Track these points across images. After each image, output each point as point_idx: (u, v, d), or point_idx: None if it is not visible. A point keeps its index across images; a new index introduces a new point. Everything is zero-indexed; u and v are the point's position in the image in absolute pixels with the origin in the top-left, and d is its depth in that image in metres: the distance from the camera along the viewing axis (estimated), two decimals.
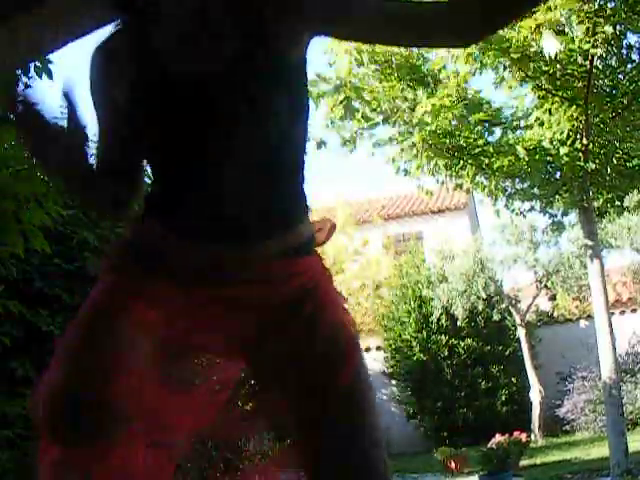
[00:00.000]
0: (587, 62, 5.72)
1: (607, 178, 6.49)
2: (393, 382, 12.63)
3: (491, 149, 6.22)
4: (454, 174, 6.34)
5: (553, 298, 12.64)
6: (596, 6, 5.37)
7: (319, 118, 6.30)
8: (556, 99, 5.98)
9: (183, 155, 1.31)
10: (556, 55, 5.27)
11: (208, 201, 1.30)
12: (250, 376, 1.54)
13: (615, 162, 6.46)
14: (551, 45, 5.16)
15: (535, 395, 11.49)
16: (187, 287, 1.29)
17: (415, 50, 6.60)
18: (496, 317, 11.78)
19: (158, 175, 1.39)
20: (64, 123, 1.33)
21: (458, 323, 11.57)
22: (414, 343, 12.27)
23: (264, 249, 1.31)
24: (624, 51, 5.94)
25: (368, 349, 12.59)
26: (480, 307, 11.62)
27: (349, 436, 1.28)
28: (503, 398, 11.85)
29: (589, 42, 5.40)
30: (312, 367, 1.32)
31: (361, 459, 1.28)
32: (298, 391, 1.33)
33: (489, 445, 7.66)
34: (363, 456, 1.28)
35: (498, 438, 7.85)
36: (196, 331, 1.33)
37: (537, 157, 6.10)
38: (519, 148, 6.00)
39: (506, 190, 6.54)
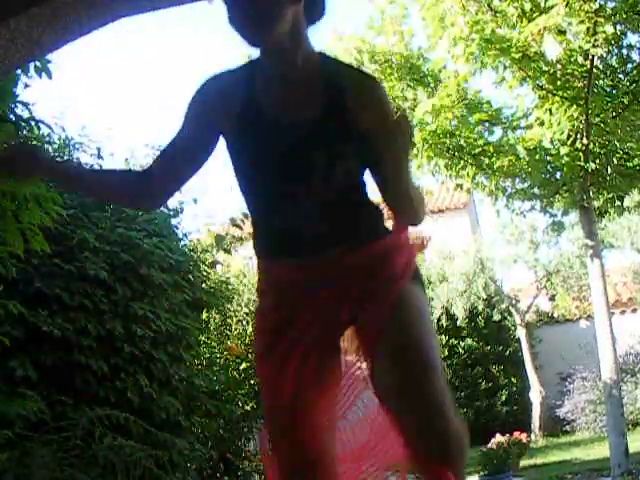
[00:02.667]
0: (587, 62, 5.71)
1: (607, 178, 6.49)
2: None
3: (491, 149, 6.21)
4: (454, 174, 6.33)
5: (553, 298, 12.64)
6: (596, 6, 5.36)
7: None
8: (556, 99, 5.97)
9: (267, 184, 1.67)
10: (557, 55, 5.28)
11: (287, 225, 1.67)
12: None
13: (615, 162, 6.45)
14: (553, 49, 5.16)
15: (535, 395, 11.49)
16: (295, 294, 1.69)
17: (415, 50, 6.60)
18: (496, 317, 11.78)
19: (251, 213, 1.76)
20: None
21: (458, 323, 11.57)
22: None
23: (339, 253, 1.66)
24: (624, 51, 5.94)
25: None
26: (480, 307, 11.62)
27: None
28: (503, 398, 11.86)
29: (589, 42, 5.39)
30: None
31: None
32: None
33: (489, 445, 7.66)
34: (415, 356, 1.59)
35: (498, 438, 7.84)
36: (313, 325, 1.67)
37: (537, 157, 6.09)
38: (519, 148, 5.99)
39: (506, 190, 6.53)
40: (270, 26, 1.56)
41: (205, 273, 6.62)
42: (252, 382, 7.11)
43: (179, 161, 1.72)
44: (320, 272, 1.67)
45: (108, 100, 33.96)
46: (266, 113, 1.64)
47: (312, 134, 1.62)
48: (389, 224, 1.77)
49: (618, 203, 7.10)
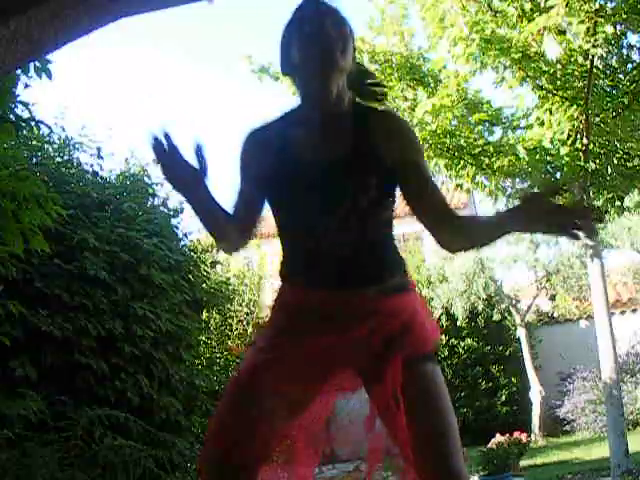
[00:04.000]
0: (587, 62, 5.71)
1: (607, 178, 6.48)
2: None
3: (491, 149, 6.21)
4: (454, 174, 6.33)
5: (553, 298, 12.64)
6: (596, 6, 5.36)
7: None
8: (556, 99, 5.97)
9: (304, 222, 1.80)
10: (557, 55, 5.28)
11: (318, 262, 1.78)
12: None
13: (615, 162, 6.45)
14: (553, 49, 5.16)
15: (535, 395, 11.49)
16: (309, 329, 1.76)
17: (415, 50, 6.61)
18: (496, 317, 11.77)
19: (283, 246, 1.88)
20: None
21: (458, 323, 11.57)
22: None
23: (364, 294, 1.75)
24: (624, 51, 5.93)
25: None
26: (480, 307, 11.61)
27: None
28: (503, 398, 11.85)
29: (589, 42, 5.39)
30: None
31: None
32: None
33: (489, 445, 7.65)
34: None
35: (498, 438, 7.84)
36: (317, 363, 1.74)
37: (537, 157, 6.09)
38: (519, 148, 5.99)
39: (506, 190, 6.53)
40: (338, 78, 1.77)
41: (205, 273, 6.63)
42: None
43: (249, 212, 1.86)
44: (340, 306, 1.75)
45: (108, 100, 33.95)
46: (303, 156, 1.79)
47: (344, 172, 1.77)
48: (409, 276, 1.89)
49: (618, 203, 7.10)
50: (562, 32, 5.44)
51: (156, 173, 6.15)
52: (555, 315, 12.98)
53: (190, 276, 6.03)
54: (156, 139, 1.60)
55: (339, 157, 1.77)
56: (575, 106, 5.89)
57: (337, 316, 1.74)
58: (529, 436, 9.28)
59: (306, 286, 1.80)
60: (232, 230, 1.83)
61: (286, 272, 1.88)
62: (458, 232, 1.80)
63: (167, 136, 1.61)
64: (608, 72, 6.03)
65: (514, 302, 11.86)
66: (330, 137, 1.80)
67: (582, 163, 6.13)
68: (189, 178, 1.63)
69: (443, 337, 12.08)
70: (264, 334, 1.88)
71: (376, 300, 1.75)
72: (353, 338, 1.72)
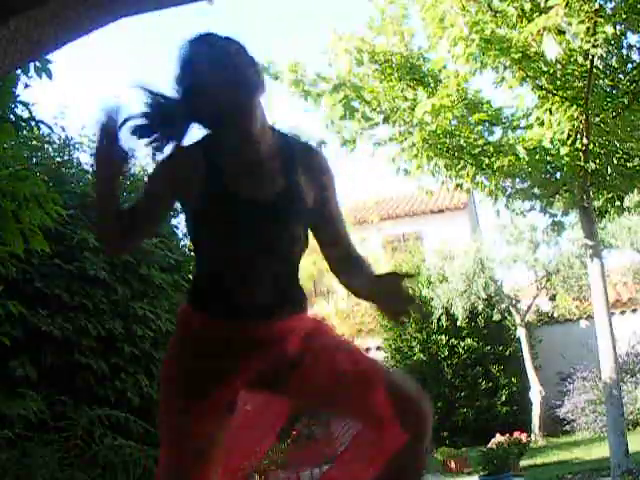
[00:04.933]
0: (587, 62, 5.71)
1: (607, 178, 6.48)
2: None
3: (491, 149, 6.20)
4: (454, 174, 6.32)
5: (553, 298, 12.64)
6: (596, 6, 5.36)
7: (319, 118, 6.30)
8: (556, 99, 5.97)
9: (224, 252, 1.79)
10: (557, 55, 5.27)
11: (242, 289, 1.78)
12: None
13: (615, 162, 6.44)
14: (552, 50, 5.16)
15: (535, 395, 11.49)
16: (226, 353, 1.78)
17: (415, 50, 6.60)
18: (496, 317, 11.77)
19: (203, 270, 1.89)
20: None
21: (458, 323, 11.56)
22: (414, 343, 12.27)
23: (280, 318, 1.81)
24: (624, 51, 5.93)
25: (368, 349, 12.58)
26: (480, 307, 11.61)
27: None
28: (503, 398, 11.85)
29: (589, 42, 5.39)
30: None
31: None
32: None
33: (489, 445, 7.66)
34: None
35: (498, 438, 7.85)
36: (237, 379, 1.81)
37: (537, 157, 6.09)
38: (519, 148, 5.98)
39: (506, 190, 6.52)
40: (259, 100, 1.78)
41: None
42: None
43: (145, 219, 1.87)
44: (255, 335, 1.79)
45: (107, 100, 33.86)
46: (228, 186, 1.78)
47: (273, 209, 1.79)
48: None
49: (618, 203, 7.09)
50: (562, 32, 5.43)
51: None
52: (555, 315, 12.98)
53: (190, 276, 6.03)
54: (108, 116, 1.75)
55: (269, 197, 1.79)
56: (575, 106, 5.88)
57: (253, 344, 1.78)
58: (529, 436, 9.29)
59: (223, 317, 1.80)
60: (117, 228, 1.84)
61: (202, 299, 1.85)
62: (353, 272, 1.92)
63: (115, 116, 1.74)
64: (608, 72, 6.03)
65: (514, 302, 11.86)
66: (260, 171, 1.81)
67: (582, 163, 6.13)
68: (117, 160, 1.79)
69: (443, 337, 12.10)
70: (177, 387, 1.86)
71: (288, 323, 1.82)
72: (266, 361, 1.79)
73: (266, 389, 1.88)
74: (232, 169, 1.79)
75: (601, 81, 6.04)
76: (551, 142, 6.07)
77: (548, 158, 6.19)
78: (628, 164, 6.54)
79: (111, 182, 1.84)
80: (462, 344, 12.07)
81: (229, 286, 1.80)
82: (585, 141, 6.07)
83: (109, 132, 1.77)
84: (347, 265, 1.93)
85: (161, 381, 1.94)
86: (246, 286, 1.79)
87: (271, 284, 1.80)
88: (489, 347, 12.10)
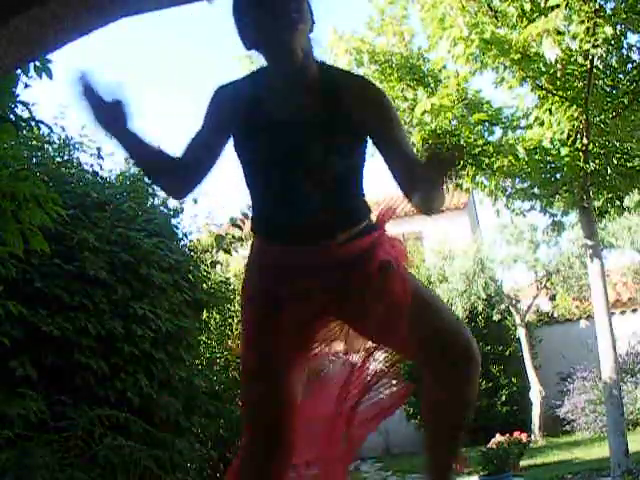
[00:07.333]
0: (587, 62, 5.71)
1: (607, 178, 6.48)
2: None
3: (491, 149, 6.21)
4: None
5: (553, 298, 12.64)
6: (596, 6, 5.36)
7: None
8: (556, 99, 5.97)
9: (272, 178, 1.88)
10: (556, 57, 5.28)
11: (291, 213, 1.87)
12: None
13: (615, 162, 6.45)
14: (551, 51, 5.16)
15: (535, 395, 11.49)
16: (291, 279, 1.87)
17: (415, 50, 6.60)
18: (496, 317, 11.77)
19: (255, 198, 1.97)
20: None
21: None
22: None
23: (335, 241, 1.86)
24: (624, 51, 5.93)
25: (368, 349, 12.55)
26: (480, 307, 11.61)
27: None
28: (503, 398, 11.85)
29: (589, 42, 5.39)
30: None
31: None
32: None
33: (489, 445, 7.65)
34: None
35: (498, 438, 7.84)
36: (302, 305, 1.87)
37: (537, 157, 6.09)
38: (519, 148, 5.99)
39: (506, 190, 6.53)
40: (298, 37, 1.83)
41: (205, 273, 6.62)
42: None
43: (203, 155, 1.94)
44: (315, 259, 1.87)
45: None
46: (271, 114, 1.86)
47: (313, 131, 1.85)
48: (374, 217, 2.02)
49: (618, 203, 7.10)
50: (561, 32, 5.43)
51: None
52: (555, 315, 12.98)
53: (190, 276, 6.03)
54: (83, 84, 1.77)
55: (309, 118, 1.86)
56: (575, 106, 5.89)
57: (314, 269, 1.86)
58: (529, 436, 9.28)
59: (281, 243, 1.90)
60: (173, 167, 1.91)
61: (259, 228, 1.98)
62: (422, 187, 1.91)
63: (88, 80, 1.78)
64: (608, 72, 6.03)
65: (514, 302, 11.86)
66: (300, 99, 1.88)
67: (582, 163, 6.13)
68: (115, 114, 1.79)
69: None
70: (250, 304, 1.98)
71: (344, 247, 1.87)
72: (332, 285, 1.86)
73: (335, 311, 1.95)
74: (270, 97, 1.88)
75: (601, 81, 6.04)
76: (551, 142, 6.07)
77: (548, 158, 6.20)
78: (628, 164, 6.54)
79: (131, 135, 1.85)
80: None
81: (278, 210, 1.90)
82: (585, 141, 6.08)
83: (92, 96, 1.80)
84: (416, 183, 1.91)
85: (242, 303, 2.05)
86: (294, 207, 1.87)
87: (319, 203, 1.85)
88: (489, 347, 12.09)
